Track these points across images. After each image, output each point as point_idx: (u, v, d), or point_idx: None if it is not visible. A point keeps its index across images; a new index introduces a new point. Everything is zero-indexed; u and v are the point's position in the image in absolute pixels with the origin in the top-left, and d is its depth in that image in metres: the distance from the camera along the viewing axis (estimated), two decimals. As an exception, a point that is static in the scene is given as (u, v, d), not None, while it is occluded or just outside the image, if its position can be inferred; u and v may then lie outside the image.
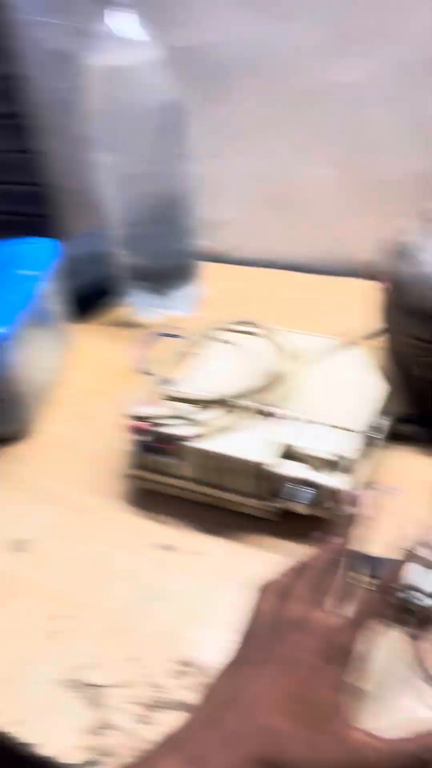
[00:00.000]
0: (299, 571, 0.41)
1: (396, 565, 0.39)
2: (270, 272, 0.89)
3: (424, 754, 0.33)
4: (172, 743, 0.35)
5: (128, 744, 0.39)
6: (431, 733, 0.34)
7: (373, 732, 0.34)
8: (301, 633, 0.36)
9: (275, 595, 0.41)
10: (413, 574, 0.43)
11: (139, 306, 0.79)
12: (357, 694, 0.35)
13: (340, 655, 0.35)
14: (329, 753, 0.33)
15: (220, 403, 0.53)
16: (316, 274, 0.86)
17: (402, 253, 0.55)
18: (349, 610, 0.37)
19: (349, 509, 0.42)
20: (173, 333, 0.65)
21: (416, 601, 0.41)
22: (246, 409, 0.52)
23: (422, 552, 0.41)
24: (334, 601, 0.38)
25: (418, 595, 0.41)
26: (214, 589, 0.47)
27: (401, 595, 0.41)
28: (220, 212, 0.89)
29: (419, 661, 0.41)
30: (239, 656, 0.38)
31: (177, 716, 0.36)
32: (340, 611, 0.37)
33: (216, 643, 0.40)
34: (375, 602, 0.37)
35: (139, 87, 0.67)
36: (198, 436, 0.51)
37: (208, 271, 0.81)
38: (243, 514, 0.52)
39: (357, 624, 0.36)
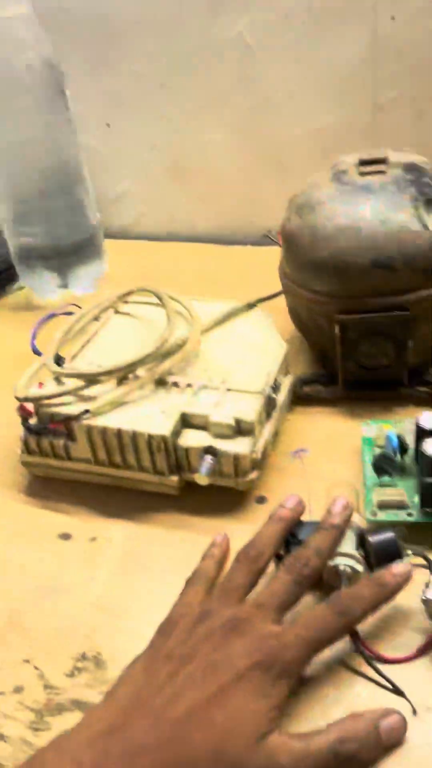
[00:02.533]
0: (240, 559, 0.38)
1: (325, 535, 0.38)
2: (173, 245, 0.86)
3: (341, 747, 0.31)
4: (62, 750, 0.31)
5: (19, 756, 0.35)
6: (345, 724, 0.32)
7: (291, 733, 0.32)
8: (233, 634, 0.33)
9: (206, 585, 0.39)
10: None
11: (38, 287, 0.75)
12: (287, 693, 0.33)
13: (272, 666, 0.32)
14: (239, 763, 0.30)
15: (112, 375, 0.49)
16: (220, 245, 0.83)
17: (301, 206, 0.53)
18: (295, 616, 0.35)
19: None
20: (69, 311, 0.62)
21: (342, 567, 0.39)
22: (141, 380, 0.49)
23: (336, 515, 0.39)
24: (275, 600, 0.35)
25: (345, 560, 0.39)
26: (116, 576, 0.44)
27: (331, 562, 0.39)
28: (117, 184, 0.85)
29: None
30: (154, 650, 0.35)
31: (75, 719, 0.32)
32: (282, 612, 0.35)
33: (121, 635, 0.37)
34: (327, 620, 0.34)
35: (9, 43, 0.62)
36: (89, 413, 0.47)
37: (108, 247, 0.77)
38: (145, 492, 0.48)
39: (302, 635, 0.33)
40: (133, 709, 0.32)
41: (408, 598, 0.39)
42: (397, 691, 0.34)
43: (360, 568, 0.39)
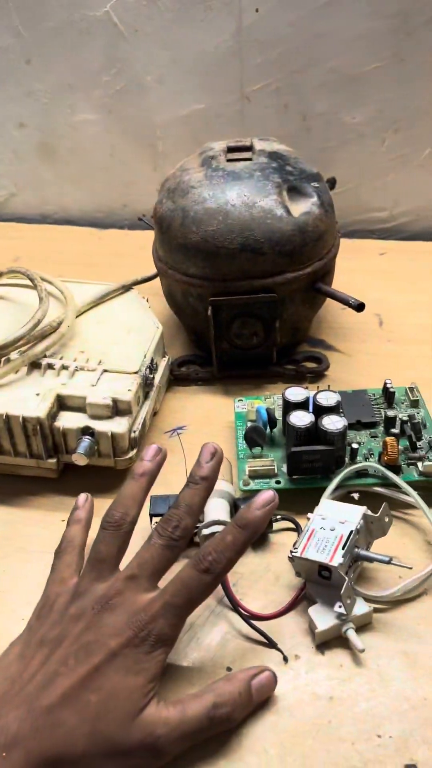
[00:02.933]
0: (105, 525, 0.36)
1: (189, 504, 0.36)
2: (46, 228, 0.84)
3: (215, 712, 0.32)
4: None
5: None
6: (219, 688, 0.33)
7: (166, 702, 0.32)
8: (104, 611, 0.33)
9: (77, 552, 0.38)
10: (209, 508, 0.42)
11: None
12: (163, 661, 0.33)
13: (146, 639, 0.32)
14: (118, 742, 0.31)
15: (-18, 359, 0.48)
16: (95, 228, 0.82)
17: (173, 190, 0.54)
18: (167, 582, 0.34)
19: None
20: None
21: (207, 532, 0.41)
22: (14, 363, 0.48)
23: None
24: (147, 568, 0.34)
25: (220, 527, 0.40)
26: (-7, 562, 0.43)
27: (206, 531, 0.40)
28: (-17, 163, 0.82)
29: (225, 590, 0.39)
30: (29, 634, 0.34)
31: None
32: (156, 579, 0.34)
33: (0, 617, 0.36)
34: (193, 581, 0.33)
35: None
36: (-41, 398, 0.45)
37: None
38: (22, 476, 0.48)
39: (170, 602, 0.33)
40: (6, 701, 0.31)
41: (279, 562, 0.42)
42: (271, 643, 0.37)
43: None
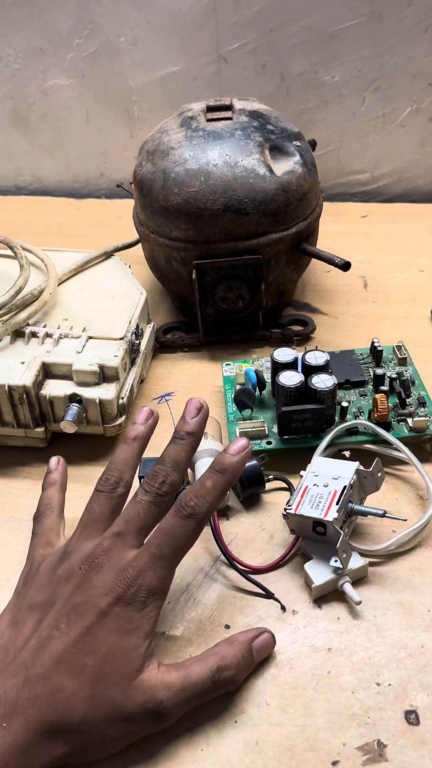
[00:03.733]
0: (99, 488, 0.35)
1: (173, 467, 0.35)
2: (22, 199, 0.82)
3: (219, 675, 0.32)
4: None
5: None
6: (221, 651, 0.33)
7: (168, 665, 0.32)
8: (92, 571, 0.32)
9: (57, 512, 0.38)
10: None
11: None
12: (156, 615, 0.32)
13: (135, 593, 0.32)
14: (119, 705, 0.30)
15: (-36, 329, 0.46)
16: (72, 198, 0.81)
17: (152, 152, 0.52)
18: (152, 536, 0.33)
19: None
20: None
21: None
22: (-4, 333, 0.47)
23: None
24: (135, 524, 0.33)
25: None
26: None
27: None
28: None
29: (221, 547, 0.39)
30: (18, 600, 0.34)
31: None
32: (143, 535, 0.33)
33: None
34: (177, 529, 0.33)
35: None
36: None
37: None
38: (10, 447, 0.47)
39: (156, 553, 0.32)
40: (1, 669, 0.31)
41: (272, 521, 0.42)
42: (268, 594, 0.37)
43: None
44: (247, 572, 0.38)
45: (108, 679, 0.31)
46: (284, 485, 0.44)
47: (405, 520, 0.39)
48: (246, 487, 0.42)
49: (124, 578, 0.32)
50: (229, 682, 0.33)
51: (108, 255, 0.56)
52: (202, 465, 0.43)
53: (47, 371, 0.46)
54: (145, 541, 0.33)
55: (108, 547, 0.33)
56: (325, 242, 0.58)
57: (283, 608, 0.37)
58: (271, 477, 0.43)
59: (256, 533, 0.41)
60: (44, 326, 0.48)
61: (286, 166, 0.51)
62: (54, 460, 0.41)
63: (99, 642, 0.31)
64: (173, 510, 0.33)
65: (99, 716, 0.30)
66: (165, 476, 0.34)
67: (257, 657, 0.34)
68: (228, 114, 0.53)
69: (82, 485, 0.40)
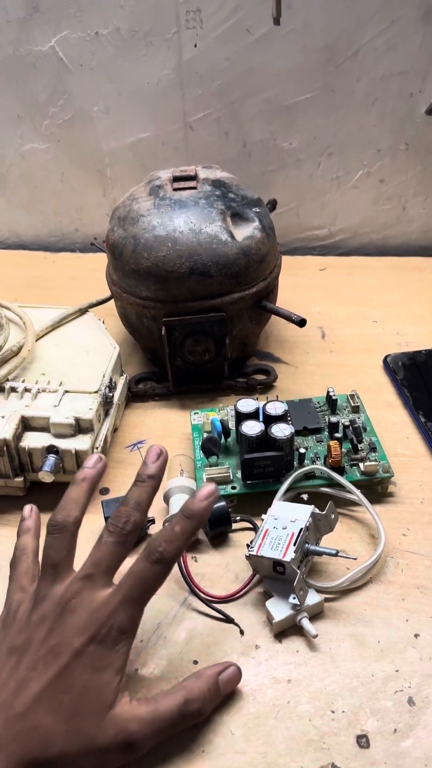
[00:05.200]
0: (50, 530, 0.37)
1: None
2: (-1, 252, 0.86)
3: (186, 708, 0.35)
4: None
5: None
6: (189, 685, 0.36)
7: (139, 699, 0.34)
8: (65, 613, 0.34)
9: (32, 558, 0.40)
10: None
11: None
12: (127, 652, 0.35)
13: (107, 633, 0.34)
14: (93, 738, 0.32)
15: None
16: (48, 252, 0.85)
17: (123, 218, 0.57)
18: (121, 577, 0.35)
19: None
20: None
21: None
22: (-23, 388, 0.50)
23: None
24: (102, 566, 0.35)
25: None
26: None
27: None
28: None
29: (185, 575, 0.43)
30: None
31: None
32: (111, 575, 0.36)
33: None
34: (147, 573, 0.35)
35: None
36: None
37: None
38: (-10, 496, 0.50)
39: (127, 595, 0.34)
40: None
41: (237, 561, 0.45)
42: (228, 620, 0.41)
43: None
44: (211, 601, 0.42)
45: (83, 714, 0.33)
46: (250, 525, 0.47)
47: (355, 559, 0.42)
48: (214, 526, 0.46)
49: (96, 619, 0.34)
50: (196, 714, 0.35)
51: (83, 311, 0.60)
52: (176, 500, 0.47)
53: (26, 424, 0.49)
54: (117, 583, 0.35)
55: (78, 589, 0.35)
56: (285, 294, 0.62)
57: (241, 632, 0.41)
58: (238, 518, 0.47)
59: (222, 573, 0.44)
60: (23, 381, 0.52)
61: (246, 232, 0.56)
62: (27, 509, 0.43)
63: (74, 680, 0.33)
64: (143, 555, 0.35)
65: (75, 749, 0.32)
66: (127, 517, 0.36)
67: (224, 690, 0.37)
68: (193, 183, 0.57)
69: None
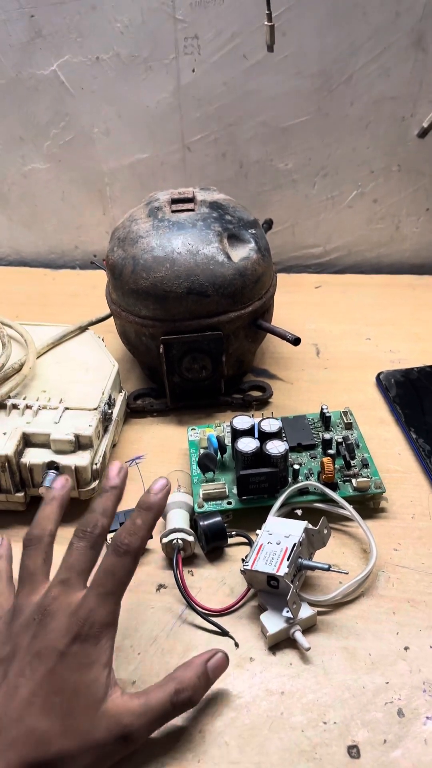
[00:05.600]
0: (26, 544, 0.39)
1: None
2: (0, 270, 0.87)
3: (177, 697, 0.36)
4: None
5: None
6: (179, 675, 0.37)
7: (130, 693, 0.36)
8: (46, 618, 0.35)
9: (5, 579, 0.42)
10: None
11: None
12: (111, 646, 0.36)
13: (88, 630, 0.35)
14: (89, 734, 0.33)
15: None
16: (48, 269, 0.86)
17: (123, 239, 0.58)
18: (92, 576, 0.36)
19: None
20: None
21: (175, 541, 0.46)
22: (-20, 405, 0.51)
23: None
24: (76, 569, 0.37)
25: (177, 534, 0.46)
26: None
27: (165, 539, 0.45)
28: None
29: (181, 588, 0.44)
30: None
31: None
32: (85, 577, 0.37)
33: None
34: (117, 566, 0.36)
35: None
36: None
37: None
38: (-9, 511, 0.51)
39: (102, 591, 0.35)
40: None
41: (232, 575, 0.46)
42: (223, 632, 0.42)
43: (190, 538, 0.46)
44: (207, 614, 0.43)
45: (76, 712, 0.34)
46: (245, 540, 0.48)
47: (347, 573, 0.44)
48: (210, 541, 0.47)
49: (77, 619, 0.35)
50: (187, 702, 0.36)
51: (83, 329, 0.62)
52: (174, 515, 0.48)
53: (27, 440, 0.50)
54: (89, 582, 0.37)
55: (56, 594, 0.36)
56: (281, 312, 0.64)
57: (236, 645, 0.42)
58: (233, 533, 0.48)
59: (218, 587, 0.46)
60: (24, 398, 0.53)
61: (242, 253, 0.57)
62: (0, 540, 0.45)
63: (63, 680, 0.34)
64: (110, 550, 0.36)
65: (74, 747, 0.33)
66: (95, 522, 0.38)
67: (213, 676, 0.38)
68: (190, 206, 0.59)
69: (57, 545, 0.44)
